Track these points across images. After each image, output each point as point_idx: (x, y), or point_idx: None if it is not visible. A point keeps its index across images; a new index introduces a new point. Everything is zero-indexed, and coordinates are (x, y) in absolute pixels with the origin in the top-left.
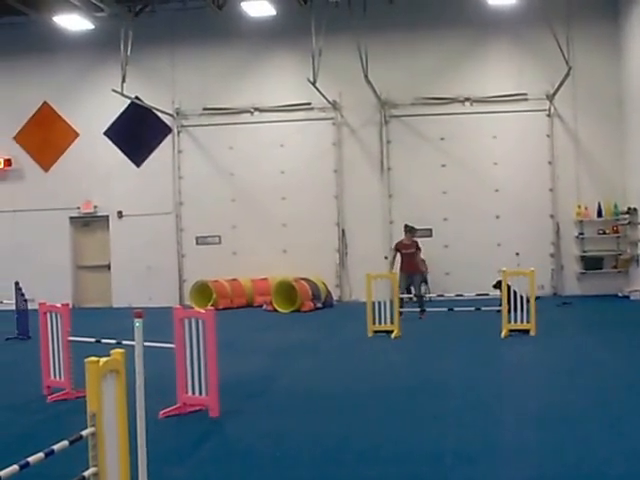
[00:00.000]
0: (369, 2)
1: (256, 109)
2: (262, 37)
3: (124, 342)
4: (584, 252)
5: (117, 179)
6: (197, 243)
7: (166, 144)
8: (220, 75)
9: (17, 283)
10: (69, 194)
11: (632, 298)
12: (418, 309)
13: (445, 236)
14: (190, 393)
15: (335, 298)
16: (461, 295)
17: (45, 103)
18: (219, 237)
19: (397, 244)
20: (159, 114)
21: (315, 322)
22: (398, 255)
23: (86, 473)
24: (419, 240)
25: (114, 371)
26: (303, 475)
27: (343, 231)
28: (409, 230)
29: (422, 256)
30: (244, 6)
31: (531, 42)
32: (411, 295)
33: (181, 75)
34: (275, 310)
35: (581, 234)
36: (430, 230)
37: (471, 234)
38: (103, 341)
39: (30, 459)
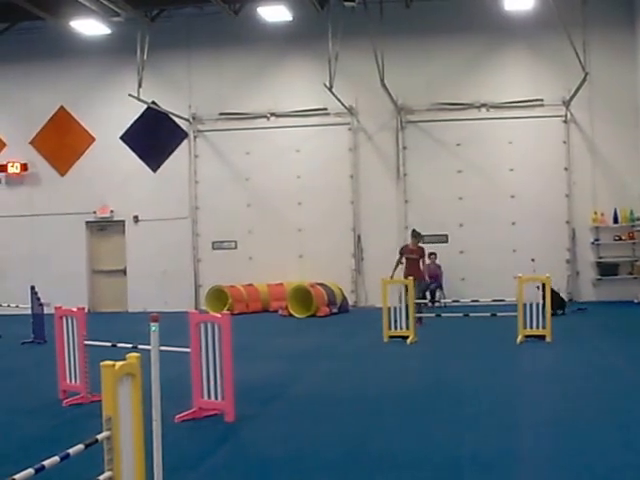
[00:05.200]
0: (386, 7)
1: (272, 114)
2: (278, 42)
3: (140, 346)
4: (600, 258)
5: (133, 184)
6: (213, 248)
7: (182, 149)
8: (236, 80)
9: (33, 287)
10: (85, 199)
11: None
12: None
13: (461, 242)
14: (206, 398)
15: (351, 303)
16: (477, 301)
17: (61, 108)
18: (235, 242)
19: (402, 248)
20: (175, 119)
21: (331, 327)
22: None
23: (101, 477)
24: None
25: (130, 375)
26: None
27: (359, 236)
28: (415, 235)
29: (436, 263)
30: (260, 11)
31: (547, 48)
32: (425, 300)
33: (197, 80)
34: (291, 315)
35: (597, 240)
36: (446, 236)
37: (487, 240)
38: (119, 345)
39: (45, 463)
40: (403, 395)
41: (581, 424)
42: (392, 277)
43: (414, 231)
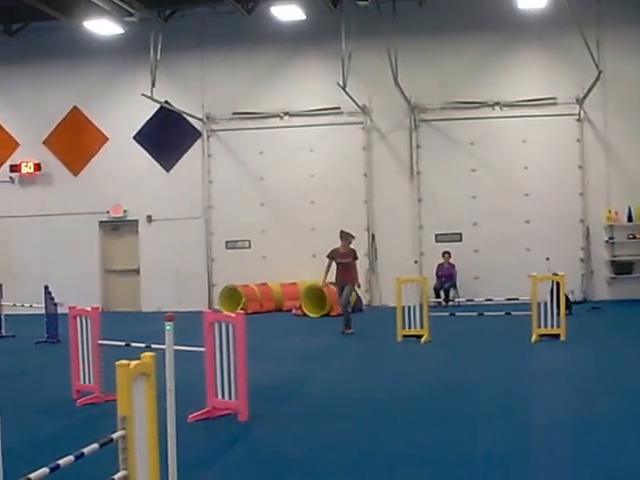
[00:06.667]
0: (399, 6)
1: (286, 113)
2: (292, 41)
3: (153, 346)
4: (614, 257)
5: (146, 183)
6: (227, 247)
7: (195, 148)
8: (250, 79)
9: (47, 287)
10: (98, 198)
11: None
12: (344, 323)
13: (475, 241)
14: (219, 397)
15: (365, 303)
16: (491, 300)
17: (74, 107)
18: (248, 241)
19: (332, 252)
20: (188, 118)
21: None
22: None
23: (116, 476)
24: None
25: (144, 374)
26: None
27: (373, 236)
28: (344, 237)
29: (450, 262)
30: (274, 10)
31: (561, 46)
32: (440, 299)
33: (211, 79)
34: (304, 315)
35: (611, 239)
36: (460, 235)
37: (501, 238)
38: (133, 345)
39: (60, 462)
40: (417, 394)
41: (597, 423)
42: (323, 284)
43: (343, 232)
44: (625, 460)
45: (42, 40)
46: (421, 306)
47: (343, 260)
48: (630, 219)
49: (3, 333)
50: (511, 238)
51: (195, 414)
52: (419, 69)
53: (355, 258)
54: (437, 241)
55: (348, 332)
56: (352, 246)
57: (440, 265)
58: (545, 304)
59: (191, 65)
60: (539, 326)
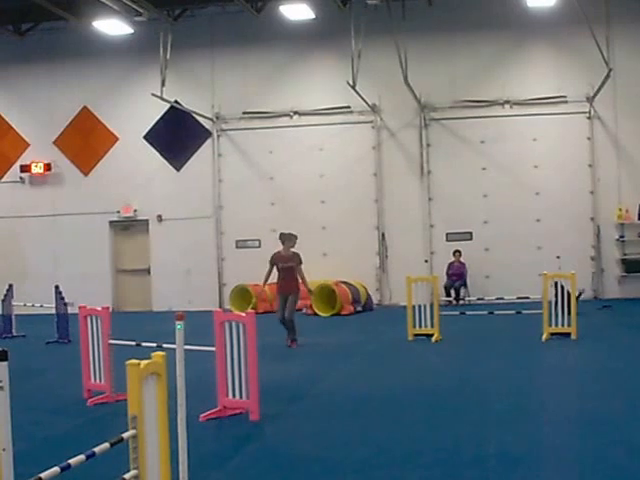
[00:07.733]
0: (408, 5)
1: (295, 113)
2: (301, 40)
3: (164, 345)
4: (625, 255)
5: (157, 183)
6: (237, 247)
7: (206, 148)
8: (259, 79)
9: (57, 287)
10: (109, 198)
11: None
12: (288, 335)
13: (485, 239)
14: (230, 396)
15: (375, 302)
16: (501, 298)
17: (85, 107)
18: (259, 241)
19: (273, 256)
20: (198, 118)
21: (355, 326)
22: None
23: (127, 475)
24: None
25: (155, 374)
26: (344, 479)
27: (383, 234)
28: (286, 239)
29: (460, 260)
30: (283, 9)
31: (571, 44)
32: (450, 298)
33: (220, 79)
34: (315, 314)
35: (622, 237)
36: (470, 233)
37: (511, 237)
38: (143, 344)
39: (71, 461)
40: (428, 393)
41: (608, 422)
42: (262, 288)
43: (283, 234)
44: (638, 459)
45: (52, 40)
46: (432, 305)
47: (285, 265)
48: None
49: (14, 333)
50: (522, 237)
51: (206, 413)
52: (429, 68)
53: (299, 262)
54: (447, 240)
55: (294, 346)
56: (295, 249)
57: (451, 264)
58: (556, 303)
59: (201, 64)
60: (550, 325)
